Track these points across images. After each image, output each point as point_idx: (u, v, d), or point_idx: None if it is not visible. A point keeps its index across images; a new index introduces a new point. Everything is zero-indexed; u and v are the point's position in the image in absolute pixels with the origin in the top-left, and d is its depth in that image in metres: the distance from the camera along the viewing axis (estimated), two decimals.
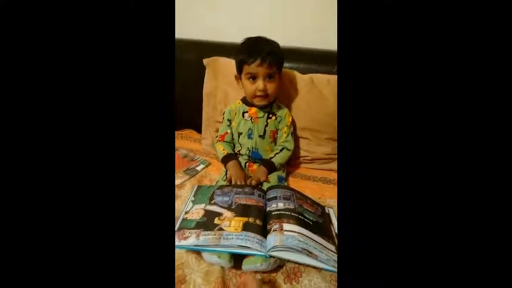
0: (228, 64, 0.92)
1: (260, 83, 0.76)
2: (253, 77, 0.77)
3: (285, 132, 0.86)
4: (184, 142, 1.06)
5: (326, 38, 0.93)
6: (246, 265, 0.53)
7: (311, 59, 0.93)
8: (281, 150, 0.85)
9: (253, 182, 0.75)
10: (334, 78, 0.88)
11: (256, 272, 0.53)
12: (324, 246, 0.55)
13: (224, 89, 0.98)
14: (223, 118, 0.90)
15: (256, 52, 0.74)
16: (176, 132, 1.10)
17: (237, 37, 0.84)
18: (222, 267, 0.54)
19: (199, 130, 1.08)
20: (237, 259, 0.54)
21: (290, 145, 0.86)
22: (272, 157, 0.83)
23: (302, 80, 0.90)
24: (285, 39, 0.84)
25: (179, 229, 0.57)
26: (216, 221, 0.58)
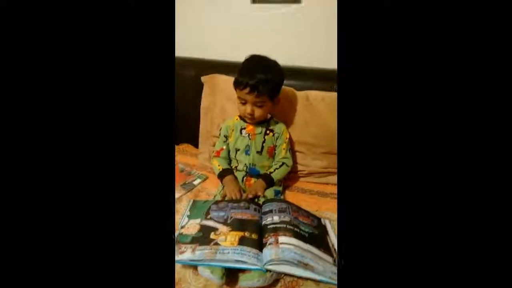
0: (226, 81, 0.95)
1: (248, 108, 0.79)
2: (243, 102, 0.80)
3: (283, 149, 0.87)
4: (181, 156, 1.07)
5: (323, 57, 0.97)
6: (243, 281, 0.52)
7: (307, 77, 0.97)
8: (280, 166, 0.85)
9: (250, 195, 0.75)
10: (328, 94, 0.91)
11: None
12: (320, 257, 0.55)
13: (221, 105, 1.00)
14: (219, 134, 0.91)
15: (248, 79, 0.75)
16: None
17: (234, 56, 0.87)
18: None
19: (196, 145, 1.09)
20: (232, 275, 0.53)
21: (289, 162, 0.88)
22: (272, 172, 0.84)
23: (298, 96, 0.93)
24: (283, 58, 0.87)
25: (176, 243, 0.57)
26: (212, 236, 0.58)
